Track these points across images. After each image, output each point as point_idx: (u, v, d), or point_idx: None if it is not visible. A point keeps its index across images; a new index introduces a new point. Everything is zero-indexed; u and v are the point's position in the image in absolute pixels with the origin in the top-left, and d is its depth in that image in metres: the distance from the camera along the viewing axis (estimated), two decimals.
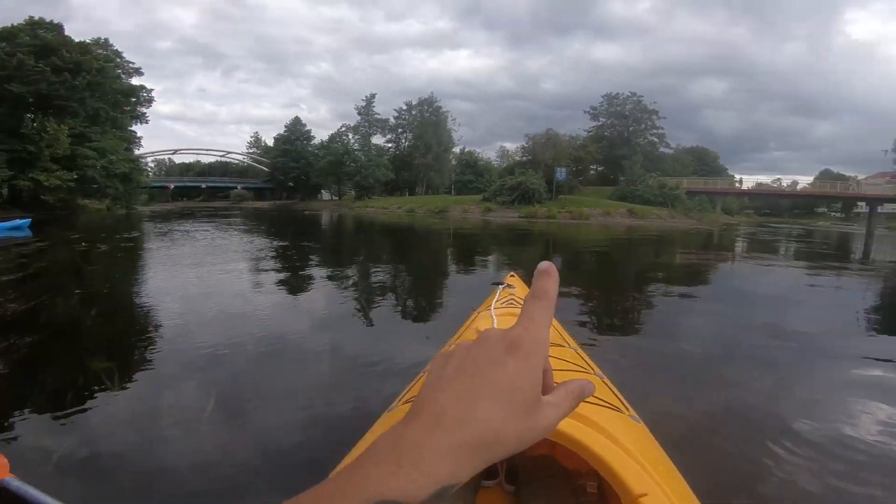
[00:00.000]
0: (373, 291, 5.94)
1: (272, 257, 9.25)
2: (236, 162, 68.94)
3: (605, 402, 1.08)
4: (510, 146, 48.02)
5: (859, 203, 52.99)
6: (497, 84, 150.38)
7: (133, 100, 33.14)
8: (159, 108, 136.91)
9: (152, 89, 34.59)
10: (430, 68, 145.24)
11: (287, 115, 71.50)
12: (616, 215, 26.59)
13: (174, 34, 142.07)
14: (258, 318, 4.40)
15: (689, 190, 33.73)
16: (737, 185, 40.26)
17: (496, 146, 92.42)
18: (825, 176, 54.16)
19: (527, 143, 36.72)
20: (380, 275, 7.56)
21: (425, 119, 44.50)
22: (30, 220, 14.28)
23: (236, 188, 61.89)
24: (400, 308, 5.17)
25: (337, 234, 17.17)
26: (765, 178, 45.81)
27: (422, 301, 5.56)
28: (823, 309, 6.14)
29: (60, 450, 2.08)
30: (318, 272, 7.52)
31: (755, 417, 2.60)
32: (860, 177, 54.06)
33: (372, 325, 4.43)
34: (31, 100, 24.29)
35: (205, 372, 3.04)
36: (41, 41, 24.54)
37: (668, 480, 0.86)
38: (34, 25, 25.18)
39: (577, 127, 44.99)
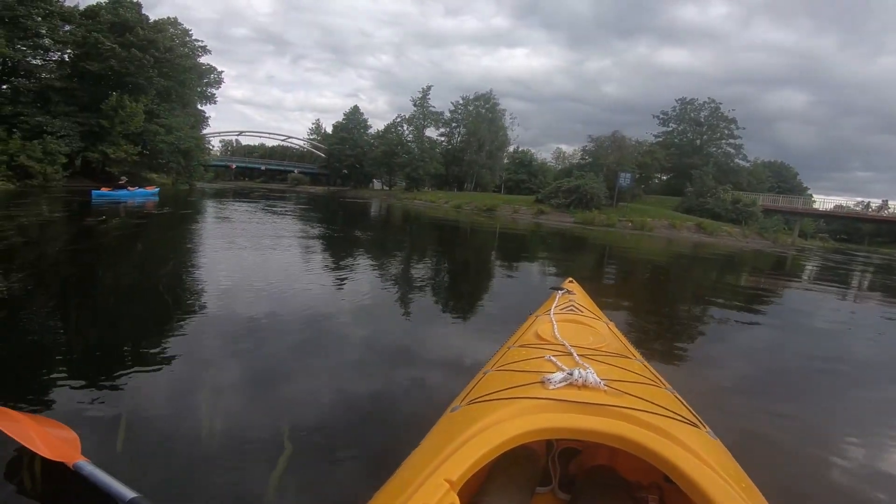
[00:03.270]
0: (420, 286, 5.64)
1: (322, 241, 9.28)
2: (296, 147, 71.16)
3: (681, 416, 1.03)
4: (567, 148, 45.73)
5: None
6: (554, 85, 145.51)
7: (205, 80, 34.48)
8: (232, 92, 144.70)
9: (222, 71, 36.03)
10: (484, 66, 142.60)
11: (347, 105, 73.16)
12: (682, 229, 24.32)
13: (249, 22, 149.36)
14: (313, 303, 4.19)
15: (766, 208, 30.57)
16: (815, 205, 36.19)
17: (550, 147, 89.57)
18: None
19: (588, 145, 34.70)
20: (426, 270, 7.21)
21: (480, 115, 43.30)
22: (158, 189, 19.15)
23: (293, 172, 63.96)
24: (450, 305, 4.84)
25: (385, 225, 16.79)
26: (842, 200, 40.65)
27: (472, 300, 5.19)
28: None
29: (111, 421, 1.99)
30: (366, 261, 7.29)
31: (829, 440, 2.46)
32: None
33: (422, 321, 4.10)
34: (109, 76, 25.67)
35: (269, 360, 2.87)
36: (120, 19, 25.86)
37: (752, 498, 0.85)
38: (116, 4, 26.58)
39: (641, 132, 42.10)
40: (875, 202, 38.94)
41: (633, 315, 4.90)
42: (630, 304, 5.55)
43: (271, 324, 3.41)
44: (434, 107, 46.20)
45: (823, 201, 38.17)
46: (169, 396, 2.28)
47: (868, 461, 2.24)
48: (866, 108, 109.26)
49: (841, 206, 38.67)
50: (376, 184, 55.54)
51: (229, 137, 77.98)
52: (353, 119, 54.39)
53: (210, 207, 16.38)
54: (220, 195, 25.20)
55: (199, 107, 35.85)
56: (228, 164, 63.67)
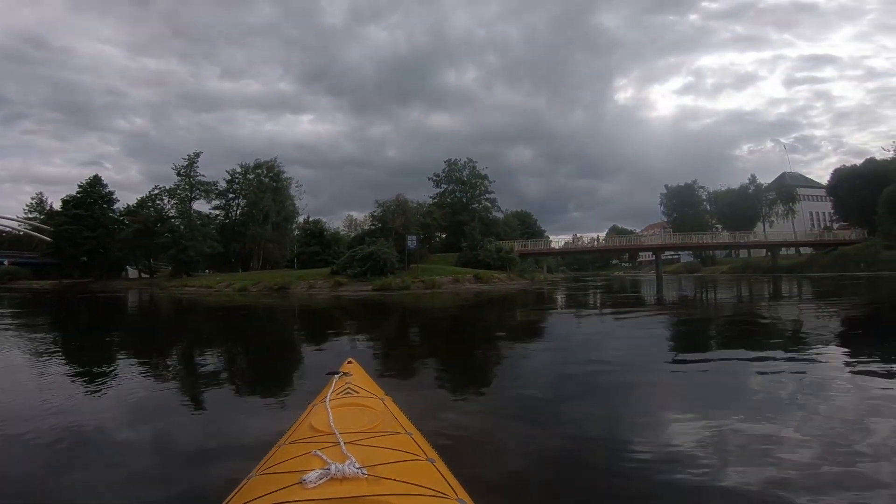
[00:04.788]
0: (192, 384, 4.96)
1: (57, 352, 7.36)
2: (7, 229, 53.70)
3: (433, 489, 1.12)
4: (358, 215, 46.76)
5: (641, 253, 66.88)
6: (341, 150, 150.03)
7: None
8: None
9: None
10: (267, 131, 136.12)
11: (86, 175, 58.30)
12: (464, 282, 27.52)
13: None
14: (49, 414, 3.50)
15: (520, 252, 37.45)
16: (552, 245, 46.55)
17: (342, 215, 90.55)
18: (613, 231, 66.43)
19: (376, 211, 36.46)
20: (201, 367, 6.25)
21: (263, 184, 41.03)
22: None
23: (3, 264, 47.66)
24: (227, 404, 4.26)
25: (147, 321, 14.00)
26: (568, 237, 54.09)
27: (252, 395, 4.69)
28: (647, 344, 7.06)
29: None
30: (123, 368, 5.97)
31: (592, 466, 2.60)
32: (638, 230, 68.52)
33: (191, 422, 3.64)
34: None
35: None
36: None
37: None
38: None
39: (422, 194, 46.57)
40: (588, 236, 52.31)
41: (417, 381, 4.99)
42: (413, 370, 5.65)
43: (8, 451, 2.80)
44: (204, 176, 41.58)
45: (557, 241, 49.40)
46: None
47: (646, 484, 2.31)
48: (571, 156, 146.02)
49: (568, 243, 50.65)
50: (131, 271, 45.87)
51: None
52: (93, 192, 44.40)
53: None
54: None
55: None
56: None
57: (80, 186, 44.55)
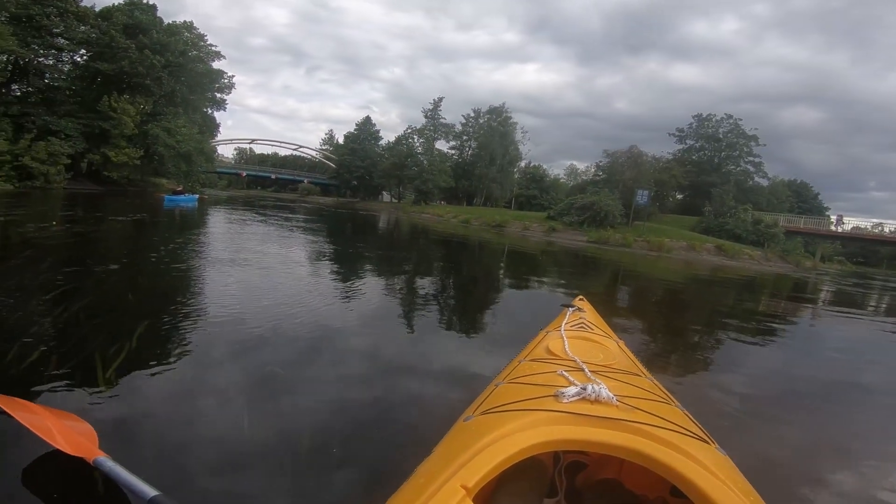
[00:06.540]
0: (428, 302, 5.53)
1: (328, 255, 9.13)
2: (308, 157, 71.38)
3: (691, 432, 1.07)
4: (580, 165, 44.33)
5: None
6: (564, 101, 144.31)
7: (215, 85, 34.28)
8: (249, 101, 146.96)
9: (233, 75, 35.82)
10: (495, 80, 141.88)
11: (360, 116, 72.55)
12: (702, 251, 23.11)
13: (267, 32, 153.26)
14: (323, 316, 4.06)
15: (787, 229, 29.28)
16: (832, 227, 34.75)
17: (561, 164, 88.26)
18: None
19: (603, 161, 33.74)
20: (434, 286, 7.04)
21: (492, 128, 42.63)
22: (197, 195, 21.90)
23: (304, 182, 63.99)
24: (459, 320, 4.85)
25: (391, 239, 16.33)
26: (859, 221, 38.95)
27: (481, 316, 5.20)
28: None
29: (119, 420, 1.98)
30: (373, 278, 7.06)
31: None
32: None
33: (431, 335, 4.05)
34: (122, 77, 25.59)
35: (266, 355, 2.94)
36: (134, 21, 25.85)
37: None
38: (131, 6, 26.62)
39: (653, 149, 40.49)
40: (889, 224, 37.20)
41: (645, 334, 4.92)
42: (641, 325, 5.48)
43: (280, 336, 3.35)
44: (445, 119, 45.79)
45: (836, 222, 36.69)
46: (174, 399, 2.28)
47: (871, 484, 2.28)
48: (881, 125, 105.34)
49: (858, 228, 37.06)
50: (385, 196, 55.11)
51: (243, 145, 78.92)
52: (365, 130, 54.23)
53: (225, 215, 16.95)
54: (230, 203, 25.40)
55: (209, 112, 35.67)
56: (239, 172, 64.15)
57: (356, 125, 55.02)
